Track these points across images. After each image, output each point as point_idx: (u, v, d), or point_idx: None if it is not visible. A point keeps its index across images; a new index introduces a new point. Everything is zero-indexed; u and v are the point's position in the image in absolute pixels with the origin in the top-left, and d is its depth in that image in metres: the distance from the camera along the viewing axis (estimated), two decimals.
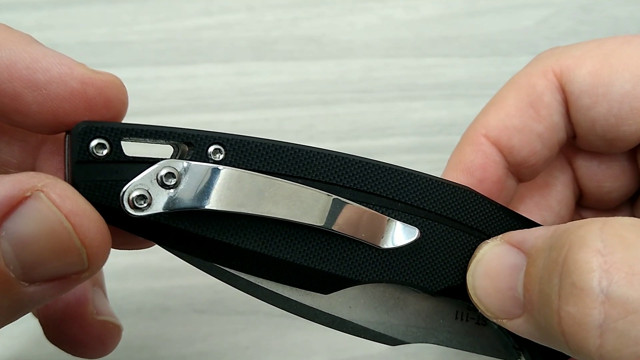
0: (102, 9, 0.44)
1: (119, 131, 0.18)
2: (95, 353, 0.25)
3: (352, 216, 0.20)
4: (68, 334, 0.25)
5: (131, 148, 0.19)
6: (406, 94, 0.42)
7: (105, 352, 0.26)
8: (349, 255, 0.21)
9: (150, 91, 0.42)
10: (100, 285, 0.27)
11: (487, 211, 0.23)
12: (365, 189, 0.21)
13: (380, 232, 0.21)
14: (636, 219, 0.19)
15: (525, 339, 0.21)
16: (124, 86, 0.19)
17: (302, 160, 0.20)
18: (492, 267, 0.21)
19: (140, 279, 0.36)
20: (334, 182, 0.21)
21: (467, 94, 0.41)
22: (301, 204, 0.19)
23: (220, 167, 0.18)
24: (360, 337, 0.23)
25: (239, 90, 0.42)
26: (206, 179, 0.18)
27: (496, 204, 0.23)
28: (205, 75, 0.42)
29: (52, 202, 0.16)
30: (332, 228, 0.20)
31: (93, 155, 0.18)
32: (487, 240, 0.22)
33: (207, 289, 0.36)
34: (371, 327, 0.23)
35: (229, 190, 0.18)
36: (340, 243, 0.21)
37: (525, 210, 0.28)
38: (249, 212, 0.19)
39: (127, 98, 0.19)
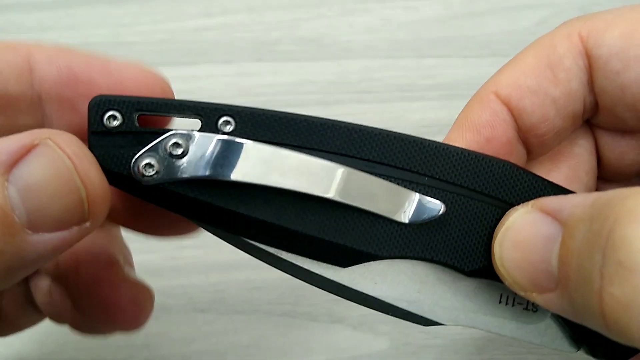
0: (103, 10, 0.44)
1: (130, 104, 0.19)
2: (130, 318, 0.25)
3: (367, 188, 0.19)
4: (100, 298, 0.25)
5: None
6: (406, 94, 0.42)
7: (139, 318, 0.25)
8: (366, 229, 0.20)
9: None
10: (131, 264, 0.27)
11: (529, 186, 0.21)
12: (388, 162, 0.20)
13: (400, 205, 0.20)
14: None
15: (587, 330, 0.18)
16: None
17: (317, 132, 0.20)
18: (523, 236, 0.19)
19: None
20: (352, 155, 0.20)
21: (466, 95, 0.41)
22: (310, 174, 0.19)
23: (224, 137, 0.19)
24: (388, 314, 0.22)
25: (239, 91, 0.42)
26: (211, 149, 0.19)
27: (538, 177, 0.21)
28: (206, 76, 0.43)
29: (57, 145, 0.18)
30: (345, 200, 0.19)
31: (106, 126, 0.19)
32: (516, 207, 0.20)
33: (207, 288, 0.36)
34: (400, 305, 0.22)
35: (233, 160, 0.19)
36: (357, 216, 0.20)
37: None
38: (254, 182, 0.19)
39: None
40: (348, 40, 0.43)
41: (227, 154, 0.19)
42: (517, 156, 0.24)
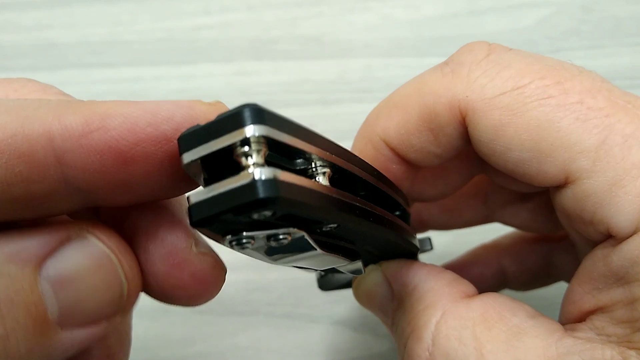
0: (101, 8, 0.44)
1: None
2: (193, 294, 0.19)
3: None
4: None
5: None
6: None
7: (205, 294, 0.19)
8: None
9: (150, 91, 0.42)
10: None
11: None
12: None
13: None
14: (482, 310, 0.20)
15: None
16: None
17: None
18: (369, 290, 0.25)
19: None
20: None
21: None
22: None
23: (308, 238, 0.17)
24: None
25: (238, 90, 0.42)
26: (289, 244, 0.17)
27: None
28: (205, 75, 0.42)
29: (98, 239, 0.16)
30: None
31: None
32: (374, 265, 0.25)
33: None
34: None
35: (293, 253, 0.18)
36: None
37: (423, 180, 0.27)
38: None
39: None
40: (348, 38, 0.43)
41: (294, 249, 0.17)
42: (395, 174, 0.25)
